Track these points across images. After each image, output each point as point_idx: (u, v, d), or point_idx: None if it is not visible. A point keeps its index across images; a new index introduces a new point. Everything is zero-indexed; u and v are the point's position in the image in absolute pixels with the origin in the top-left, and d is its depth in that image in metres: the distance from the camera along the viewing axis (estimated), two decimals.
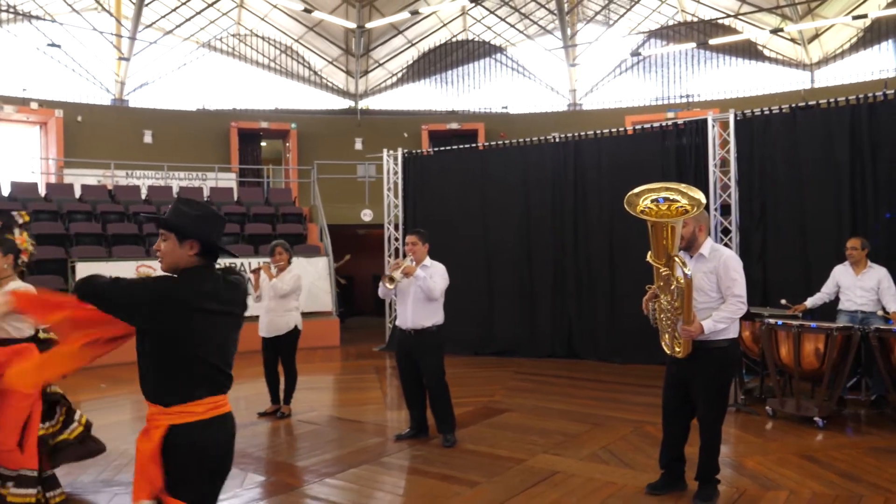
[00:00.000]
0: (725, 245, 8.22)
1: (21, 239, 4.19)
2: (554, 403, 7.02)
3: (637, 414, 6.41)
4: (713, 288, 4.09)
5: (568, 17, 18.86)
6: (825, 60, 17.32)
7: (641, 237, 4.13)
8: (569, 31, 18.92)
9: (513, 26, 19.39)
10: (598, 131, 9.84)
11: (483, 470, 4.89)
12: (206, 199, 13.49)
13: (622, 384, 7.96)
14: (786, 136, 8.24)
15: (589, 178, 9.77)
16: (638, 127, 9.84)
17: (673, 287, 3.94)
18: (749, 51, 17.91)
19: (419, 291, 5.45)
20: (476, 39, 19.75)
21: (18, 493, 3.90)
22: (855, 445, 5.36)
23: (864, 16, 15.54)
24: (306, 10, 15.94)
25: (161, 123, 16.48)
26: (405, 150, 11.54)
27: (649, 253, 3.96)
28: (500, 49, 19.60)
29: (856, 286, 6.55)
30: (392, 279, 5.37)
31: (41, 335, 4.05)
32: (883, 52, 16.47)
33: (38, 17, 15.88)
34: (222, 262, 2.70)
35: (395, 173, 11.40)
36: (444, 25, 19.60)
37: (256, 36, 18.61)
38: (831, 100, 8.10)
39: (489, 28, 19.59)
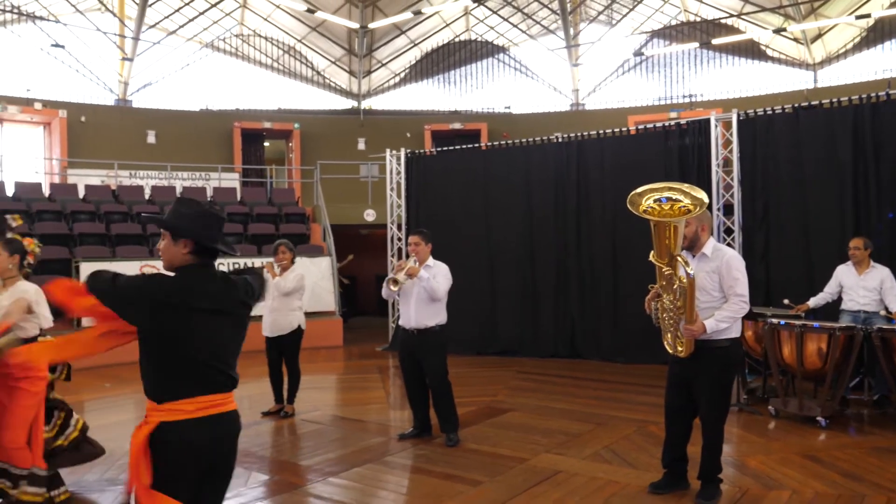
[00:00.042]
0: (728, 245, 8.22)
1: (28, 241, 4.22)
2: (556, 403, 7.03)
3: (640, 413, 6.41)
4: (715, 287, 4.10)
5: (571, 17, 18.86)
6: (828, 60, 17.30)
7: (644, 237, 4.14)
8: (571, 31, 18.92)
9: (515, 26, 19.39)
10: (601, 131, 9.85)
11: (486, 469, 4.90)
12: (209, 199, 13.54)
13: (625, 384, 7.96)
14: (789, 135, 8.23)
15: (592, 178, 9.78)
16: (641, 127, 9.85)
17: (675, 286, 3.95)
18: (752, 50, 17.90)
19: (422, 292, 5.46)
20: (479, 39, 19.76)
21: (31, 492, 3.94)
22: (857, 445, 5.36)
23: (868, 15, 15.52)
24: (309, 11, 15.96)
25: (164, 124, 16.52)
26: (408, 151, 11.55)
27: (652, 252, 3.97)
28: (502, 49, 19.61)
29: (858, 286, 6.55)
30: (396, 282, 5.38)
31: (39, 339, 4.07)
32: (886, 51, 16.44)
33: (41, 18, 15.92)
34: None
35: (398, 173, 11.42)
36: (447, 25, 19.61)
37: (259, 36, 18.64)
38: (834, 99, 8.10)
39: (492, 28, 19.60)
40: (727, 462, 4.62)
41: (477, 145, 11.54)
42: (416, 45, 19.54)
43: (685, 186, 3.94)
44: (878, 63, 16.39)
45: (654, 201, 3.86)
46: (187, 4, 17.32)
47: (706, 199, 3.83)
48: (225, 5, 17.89)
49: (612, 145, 9.65)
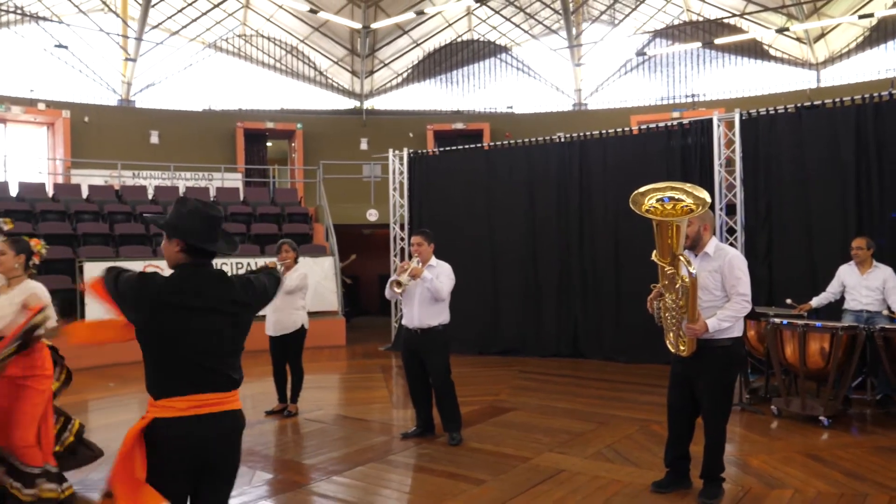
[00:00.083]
0: (731, 245, 8.22)
1: (35, 241, 4.25)
2: (559, 402, 7.04)
3: (642, 412, 6.42)
4: (718, 287, 4.11)
5: (573, 17, 18.86)
6: (831, 60, 17.29)
7: (646, 236, 4.15)
8: (574, 31, 18.93)
9: (518, 26, 19.40)
10: (604, 131, 9.85)
11: (489, 468, 4.92)
12: (212, 198, 13.56)
13: (627, 383, 7.97)
14: (791, 135, 8.23)
15: (594, 178, 9.78)
16: (643, 127, 9.85)
17: (678, 286, 3.96)
18: (755, 50, 17.90)
19: (426, 292, 5.48)
20: (481, 39, 19.77)
21: (48, 488, 3.99)
22: (860, 445, 5.37)
23: (871, 15, 15.51)
24: (312, 11, 16.00)
25: (167, 124, 16.55)
26: (410, 150, 11.57)
27: (654, 252, 3.98)
28: (505, 49, 19.63)
29: (861, 285, 6.55)
30: (400, 283, 5.39)
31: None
32: (889, 51, 16.42)
33: (45, 19, 15.97)
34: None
35: (401, 173, 11.43)
36: (450, 25, 19.63)
37: (262, 36, 18.67)
38: (837, 99, 8.09)
39: (494, 28, 19.61)
40: (729, 461, 4.63)
41: (479, 145, 11.56)
42: (418, 45, 19.56)
43: (687, 186, 3.95)
44: (881, 63, 16.37)
45: (657, 201, 3.87)
46: (190, 5, 17.36)
47: (708, 199, 3.84)
48: (227, 6, 17.93)
49: (615, 145, 9.66)
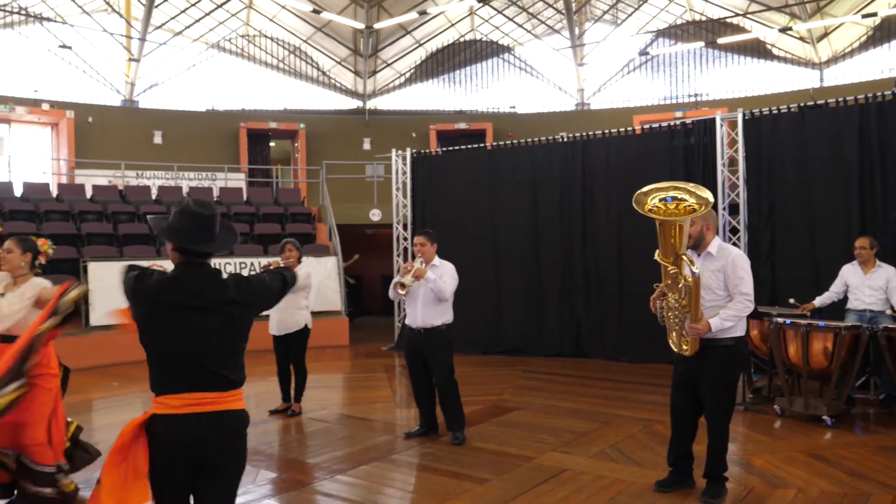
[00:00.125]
0: (734, 244, 8.21)
1: (42, 241, 4.28)
2: (562, 402, 7.05)
3: (645, 412, 6.43)
4: (720, 286, 4.12)
5: (576, 17, 18.86)
6: (834, 59, 17.26)
7: (649, 236, 4.15)
8: (577, 31, 18.93)
9: (520, 26, 19.41)
10: (607, 131, 9.85)
11: (492, 467, 4.93)
12: (215, 199, 13.59)
13: (630, 383, 7.97)
14: (794, 135, 8.23)
15: (597, 178, 9.79)
16: (646, 126, 9.85)
17: (681, 285, 3.96)
18: (758, 50, 17.88)
19: (429, 292, 5.49)
20: (484, 39, 19.78)
21: (66, 482, 4.06)
22: (863, 444, 5.37)
23: (874, 14, 15.49)
24: (315, 11, 16.03)
25: (171, 124, 16.59)
26: (413, 150, 11.58)
27: (657, 251, 3.99)
28: (507, 49, 19.63)
29: (864, 285, 6.55)
30: (404, 286, 5.40)
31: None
32: (892, 50, 16.40)
33: (48, 19, 16.02)
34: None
35: (404, 173, 11.45)
36: (452, 25, 19.64)
37: (265, 37, 18.70)
38: (840, 99, 8.09)
39: (497, 28, 19.61)
40: (733, 460, 4.63)
41: (482, 145, 11.56)
42: (421, 45, 19.58)
43: (690, 186, 3.96)
44: (885, 62, 16.35)
45: (660, 200, 3.88)
46: (193, 5, 17.40)
47: (711, 199, 3.85)
48: (231, 6, 17.96)
49: (618, 145, 9.66)
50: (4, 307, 3.99)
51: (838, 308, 6.84)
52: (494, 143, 11.34)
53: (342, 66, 19.37)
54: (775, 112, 8.45)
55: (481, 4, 18.25)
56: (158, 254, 10.94)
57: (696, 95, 18.10)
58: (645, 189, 3.96)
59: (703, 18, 18.21)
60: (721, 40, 17.31)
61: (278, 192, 15.29)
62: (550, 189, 10.11)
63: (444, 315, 5.56)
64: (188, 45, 17.80)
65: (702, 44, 17.75)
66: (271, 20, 18.63)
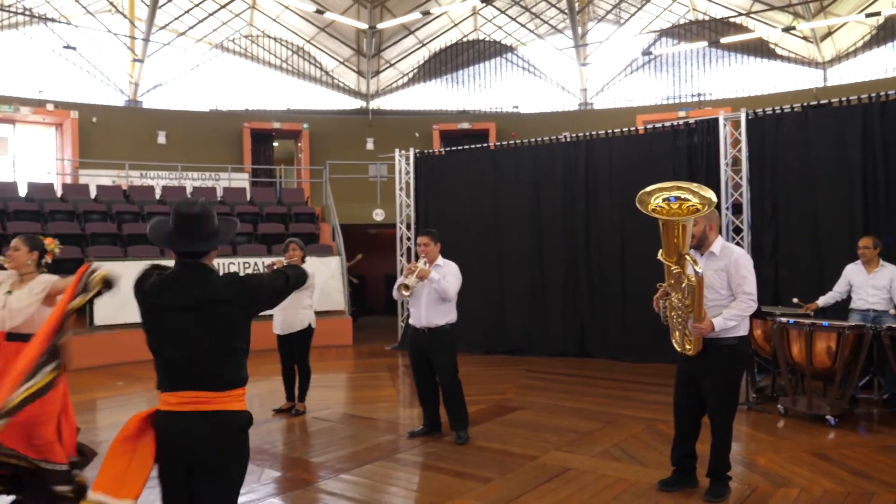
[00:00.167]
0: (737, 244, 8.22)
1: (49, 240, 4.31)
2: (566, 401, 7.06)
3: (648, 412, 6.43)
4: (724, 286, 4.12)
5: (579, 17, 18.85)
6: (838, 58, 17.23)
7: (653, 236, 4.16)
8: (580, 31, 18.92)
9: (523, 26, 19.41)
10: (610, 131, 9.86)
11: (496, 466, 4.94)
12: (219, 199, 13.63)
13: (633, 382, 7.98)
14: (798, 134, 8.22)
15: (600, 178, 9.79)
16: (649, 126, 9.85)
17: (684, 285, 3.97)
18: (761, 49, 17.85)
19: (433, 292, 5.50)
20: (487, 39, 19.78)
21: (81, 477, 4.06)
22: (867, 444, 5.37)
23: (878, 13, 15.46)
24: (318, 12, 16.05)
25: (174, 124, 16.63)
26: (416, 150, 11.59)
27: (660, 251, 4.00)
28: (510, 49, 19.63)
29: (868, 285, 6.55)
30: (407, 287, 5.41)
31: None
32: None
33: (53, 20, 16.06)
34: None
35: (407, 173, 11.46)
36: (455, 25, 19.65)
37: (268, 37, 18.73)
38: (843, 98, 8.08)
39: (500, 28, 19.61)
40: (736, 460, 4.64)
41: (485, 145, 11.57)
42: (424, 45, 19.58)
43: (694, 186, 3.97)
44: (888, 61, 16.31)
45: (663, 200, 3.89)
46: (197, 6, 17.43)
47: (714, 199, 3.86)
48: (234, 6, 17.99)
49: (621, 145, 9.66)
50: (13, 303, 4.01)
51: (842, 308, 6.83)
52: (497, 143, 11.35)
53: (345, 67, 19.39)
54: (779, 112, 8.45)
55: (484, 4, 18.26)
56: (162, 254, 10.97)
57: (699, 95, 18.08)
58: (648, 189, 3.97)
59: (707, 18, 18.19)
60: (724, 40, 17.30)
61: (282, 192, 15.32)
62: (553, 189, 10.12)
63: (447, 315, 5.58)
64: (192, 45, 17.83)
65: (705, 43, 17.73)
66: (274, 20, 18.66)
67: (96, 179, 14.08)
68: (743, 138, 8.56)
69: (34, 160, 15.75)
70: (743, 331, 4.15)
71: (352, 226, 13.98)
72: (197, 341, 2.53)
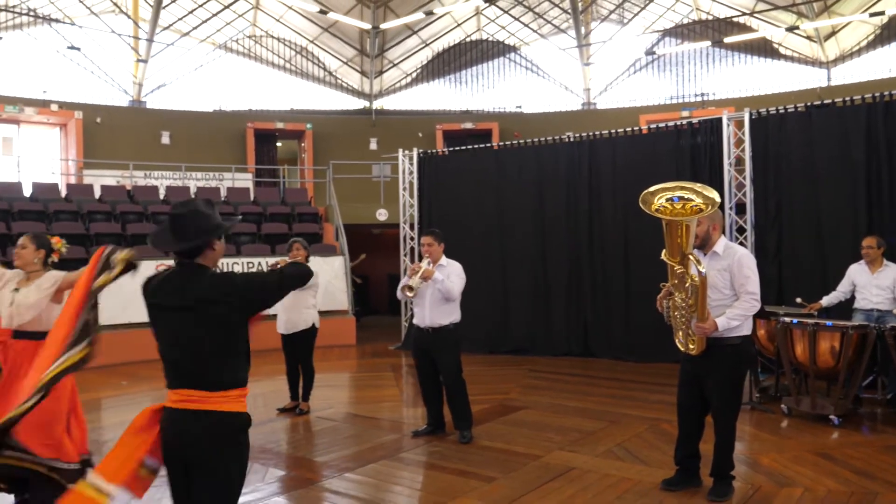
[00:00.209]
0: (741, 244, 8.22)
1: (56, 239, 4.33)
2: (569, 401, 7.07)
3: (652, 411, 6.44)
4: (727, 285, 4.13)
5: (582, 16, 18.85)
6: (841, 58, 17.20)
7: (656, 236, 4.16)
8: (583, 30, 18.91)
9: (527, 25, 19.41)
10: (613, 130, 9.86)
11: (499, 466, 4.95)
12: (223, 199, 13.66)
13: (637, 382, 7.98)
14: (801, 134, 8.22)
15: (603, 178, 9.80)
16: (653, 126, 9.87)
17: (687, 285, 3.98)
18: (764, 49, 17.83)
19: (437, 292, 5.51)
20: (490, 39, 19.79)
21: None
22: (870, 444, 5.37)
23: (882, 13, 15.42)
24: (321, 12, 16.07)
25: (178, 124, 16.67)
26: (420, 150, 11.61)
27: (664, 251, 4.01)
28: (513, 48, 19.63)
29: (871, 285, 6.54)
30: (412, 288, 5.42)
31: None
32: None
33: (57, 21, 16.11)
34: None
35: (411, 173, 11.48)
36: (458, 25, 19.65)
37: (272, 37, 18.76)
38: (847, 98, 8.08)
39: (503, 28, 19.62)
40: (740, 460, 4.65)
41: (488, 145, 11.59)
42: (427, 45, 19.60)
43: (697, 186, 3.97)
44: (892, 61, 16.27)
45: (667, 200, 3.90)
46: (201, 6, 17.47)
47: (718, 199, 3.86)
48: (237, 7, 18.03)
49: (624, 144, 9.67)
50: (21, 299, 4.04)
51: (845, 307, 6.83)
52: (501, 143, 11.37)
53: (349, 67, 19.41)
54: (782, 111, 8.45)
55: (487, 4, 18.26)
56: (166, 254, 10.98)
57: (702, 95, 18.06)
58: (652, 189, 3.97)
59: (710, 18, 18.17)
60: (728, 39, 17.28)
61: (285, 191, 15.35)
62: (557, 189, 10.13)
63: (451, 314, 5.59)
64: (195, 45, 17.86)
65: (708, 43, 17.71)
66: (278, 21, 18.69)
67: (100, 179, 14.13)
68: (746, 138, 8.56)
69: (38, 160, 15.80)
70: (746, 330, 4.16)
71: (355, 226, 14.00)
72: (191, 341, 2.54)
